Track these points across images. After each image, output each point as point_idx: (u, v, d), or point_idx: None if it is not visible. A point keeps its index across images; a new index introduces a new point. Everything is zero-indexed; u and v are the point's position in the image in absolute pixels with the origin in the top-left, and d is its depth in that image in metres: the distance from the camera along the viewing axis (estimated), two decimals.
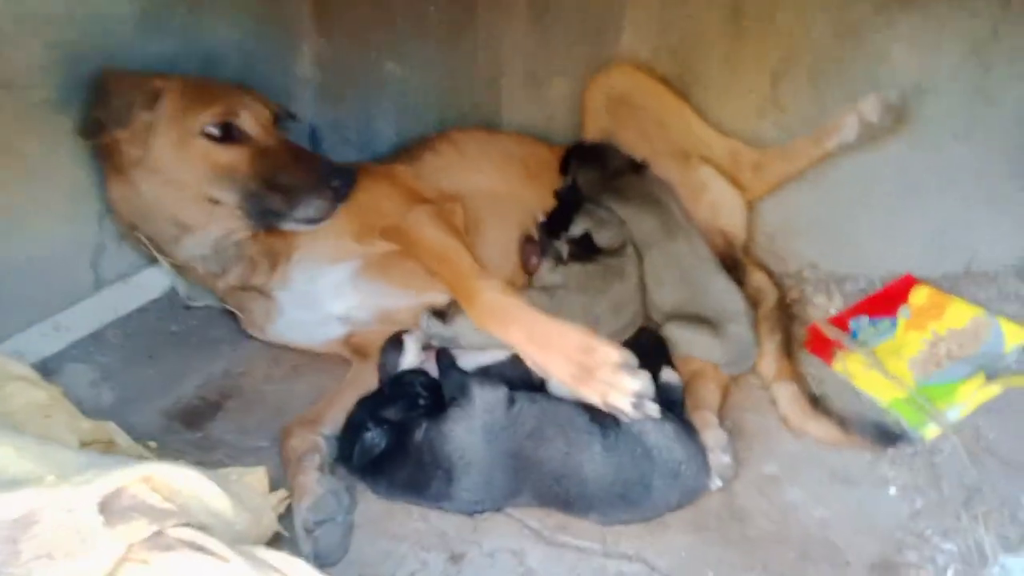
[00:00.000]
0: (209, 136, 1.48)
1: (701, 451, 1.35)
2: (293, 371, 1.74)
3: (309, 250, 1.64)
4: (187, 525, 0.94)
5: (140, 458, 1.31)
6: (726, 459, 1.38)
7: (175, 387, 1.66)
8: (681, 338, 1.60)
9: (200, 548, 0.92)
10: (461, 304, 1.48)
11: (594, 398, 1.27)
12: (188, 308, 1.91)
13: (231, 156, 1.50)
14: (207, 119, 1.47)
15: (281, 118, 1.69)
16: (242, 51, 2.03)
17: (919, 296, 1.81)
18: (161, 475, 0.97)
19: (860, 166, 1.84)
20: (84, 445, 1.28)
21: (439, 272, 1.55)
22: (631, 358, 1.28)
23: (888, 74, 1.74)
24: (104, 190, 1.64)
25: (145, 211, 1.55)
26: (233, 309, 1.75)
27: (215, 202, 1.52)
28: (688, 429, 1.36)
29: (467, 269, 1.49)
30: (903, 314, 1.80)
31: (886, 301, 1.83)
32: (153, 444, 1.44)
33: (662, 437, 1.31)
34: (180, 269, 1.68)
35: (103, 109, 1.46)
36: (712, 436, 1.40)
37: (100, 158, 1.60)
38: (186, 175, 1.49)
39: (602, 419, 1.33)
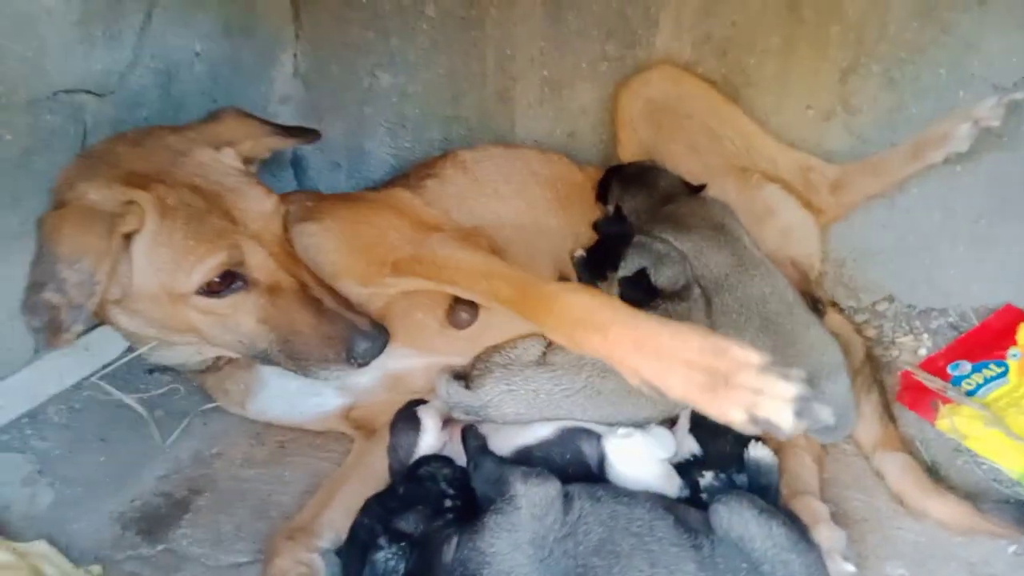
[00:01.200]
0: (207, 292, 1.14)
1: (820, 560, 1.04)
2: (280, 450, 1.42)
3: None
4: None
5: None
6: (850, 568, 1.08)
7: (131, 481, 1.34)
8: None
9: None
10: (534, 320, 1.16)
11: (735, 414, 0.96)
12: (151, 372, 1.58)
13: (234, 308, 1.17)
14: (202, 276, 1.12)
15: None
16: (209, 63, 1.78)
17: None
18: None
19: (944, 179, 1.58)
20: None
21: (491, 291, 1.24)
22: (770, 357, 0.98)
23: (981, 66, 1.49)
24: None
25: (119, 328, 1.26)
26: (208, 391, 1.46)
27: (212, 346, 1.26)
28: (801, 532, 1.04)
29: (527, 277, 1.21)
30: (1014, 356, 1.53)
31: (988, 340, 1.57)
32: (98, 568, 1.11)
33: (773, 546, 0.99)
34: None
35: (51, 288, 1.05)
36: (827, 536, 1.10)
37: None
38: (176, 326, 1.20)
39: (689, 523, 1.02)
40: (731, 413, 0.96)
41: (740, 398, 0.96)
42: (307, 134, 1.45)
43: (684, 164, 1.62)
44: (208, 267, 1.10)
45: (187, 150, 1.20)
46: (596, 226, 1.61)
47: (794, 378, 0.95)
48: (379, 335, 1.19)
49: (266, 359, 1.22)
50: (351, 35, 1.91)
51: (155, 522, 1.25)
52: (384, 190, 1.64)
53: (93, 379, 1.43)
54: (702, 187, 1.59)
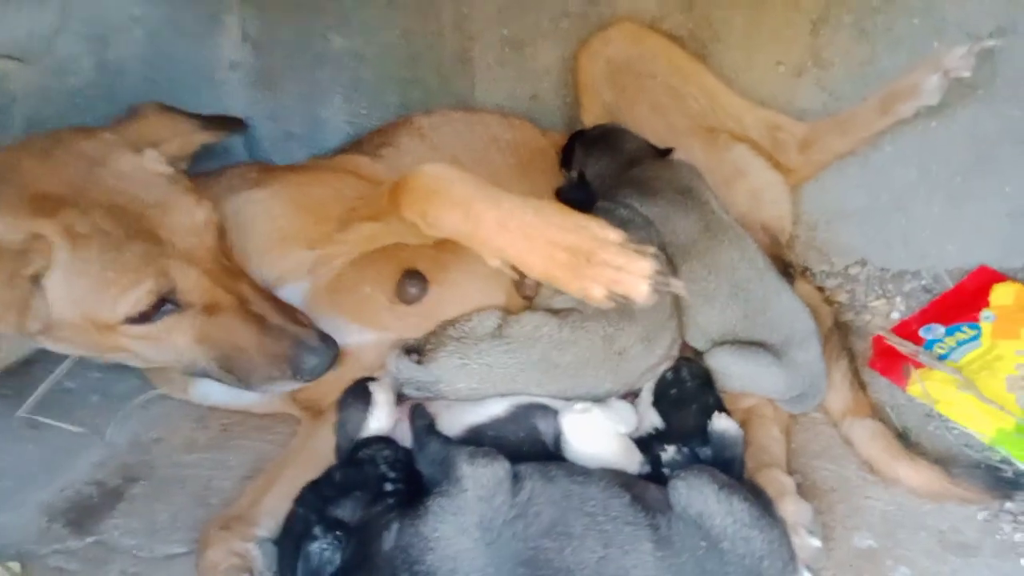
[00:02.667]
0: (136, 320, 1.04)
1: (784, 537, 0.98)
2: (224, 434, 1.36)
3: (255, 268, 1.24)
4: None
5: None
6: (815, 542, 1.03)
7: (62, 469, 1.27)
8: (735, 369, 1.25)
9: None
10: (398, 206, 1.12)
11: (595, 290, 1.00)
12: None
13: (168, 330, 1.08)
14: (128, 308, 1.02)
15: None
16: (147, 27, 1.67)
17: (1004, 294, 1.52)
18: None
19: (919, 135, 1.52)
20: None
21: (385, 193, 1.18)
22: (623, 233, 1.03)
23: (955, 14, 1.42)
24: None
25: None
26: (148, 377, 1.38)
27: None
28: (765, 507, 0.99)
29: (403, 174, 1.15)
30: (987, 318, 1.49)
31: (962, 302, 1.52)
32: (15, 567, 1.04)
33: (733, 522, 0.94)
34: None
35: None
36: (793, 510, 1.05)
37: None
38: (110, 351, 1.11)
39: (647, 501, 0.96)
40: (591, 290, 1.00)
41: (600, 275, 0.99)
42: (234, 124, 1.35)
43: (648, 126, 1.55)
44: (133, 299, 1.01)
45: (104, 158, 1.08)
46: (558, 193, 1.53)
47: (648, 254, 1.00)
48: (327, 348, 1.11)
49: (206, 375, 1.13)
50: None
51: (85, 513, 1.18)
52: (339, 156, 1.57)
53: (19, 415, 1.32)
54: (669, 151, 1.52)
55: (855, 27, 1.48)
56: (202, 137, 1.24)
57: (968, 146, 1.51)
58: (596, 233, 1.01)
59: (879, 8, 1.45)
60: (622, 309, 1.25)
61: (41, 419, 1.35)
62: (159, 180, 1.10)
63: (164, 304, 1.04)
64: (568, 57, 1.69)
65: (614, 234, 1.00)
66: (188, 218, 1.08)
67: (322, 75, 1.87)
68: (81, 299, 1.00)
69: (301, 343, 1.09)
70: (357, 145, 1.62)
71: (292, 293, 1.27)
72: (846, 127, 1.48)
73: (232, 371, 1.10)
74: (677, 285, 1.01)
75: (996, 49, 1.39)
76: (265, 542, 1.06)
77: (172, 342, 1.07)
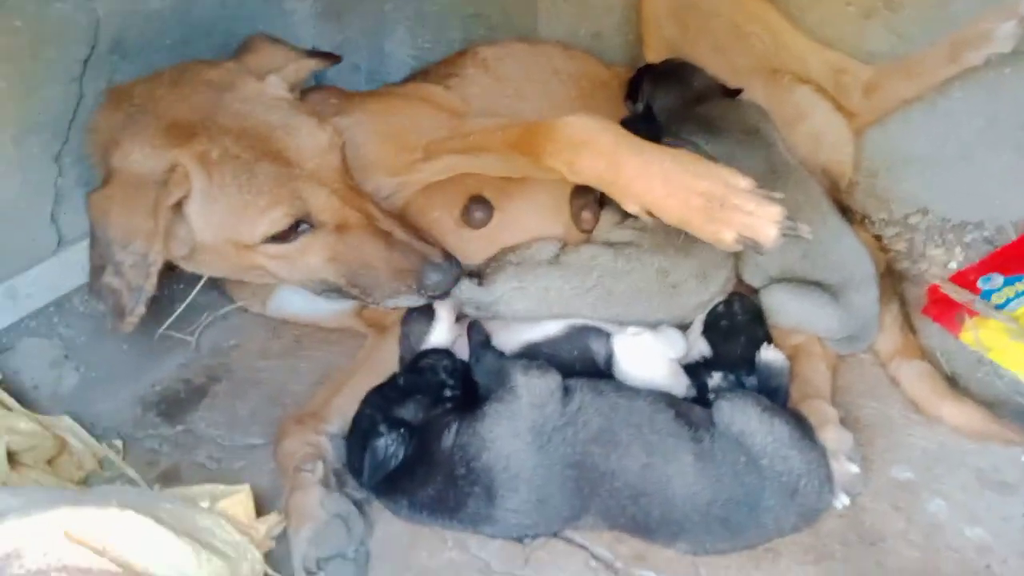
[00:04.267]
0: (274, 240, 1.10)
1: (823, 459, 1.03)
2: (296, 344, 1.45)
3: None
4: None
5: (96, 464, 1.03)
6: (854, 468, 1.07)
7: (153, 366, 1.39)
8: (791, 306, 1.27)
9: None
10: (535, 155, 1.15)
11: (727, 234, 1.02)
12: (172, 268, 1.61)
13: (304, 250, 1.13)
14: (267, 228, 1.08)
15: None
16: None
17: None
18: (85, 523, 0.67)
19: (990, 82, 1.47)
20: (17, 454, 0.98)
21: (506, 141, 1.22)
22: (751, 179, 1.05)
23: None
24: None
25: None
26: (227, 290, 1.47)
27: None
28: (805, 430, 1.04)
29: (534, 123, 1.18)
30: None
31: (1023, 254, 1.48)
32: (119, 443, 1.16)
33: (773, 441, 0.99)
34: None
35: (110, 271, 1.04)
36: (834, 437, 1.09)
37: None
38: (249, 271, 1.18)
39: (690, 418, 1.01)
40: (722, 233, 1.02)
41: (732, 219, 1.01)
42: (332, 57, 1.39)
43: (711, 65, 1.54)
44: (270, 220, 1.07)
45: (231, 84, 1.14)
46: (624, 124, 1.55)
47: (776, 200, 1.02)
48: (451, 266, 1.15)
49: (337, 293, 1.18)
50: None
51: (175, 405, 1.30)
52: (412, 84, 1.59)
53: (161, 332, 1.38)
54: (739, 91, 1.51)
55: None
56: (311, 64, 1.28)
57: None
58: (728, 180, 1.03)
59: None
60: (677, 246, 1.31)
61: (174, 333, 1.44)
62: (282, 104, 1.15)
63: (300, 224, 1.09)
64: None
65: (745, 181, 1.03)
66: (313, 140, 1.13)
67: (388, 8, 1.91)
68: (222, 223, 1.07)
69: (426, 259, 1.13)
70: (425, 75, 1.64)
71: None
72: (912, 72, 1.44)
73: (360, 287, 1.14)
74: (804, 230, 1.02)
75: None
76: (335, 437, 1.15)
77: (306, 261, 1.13)
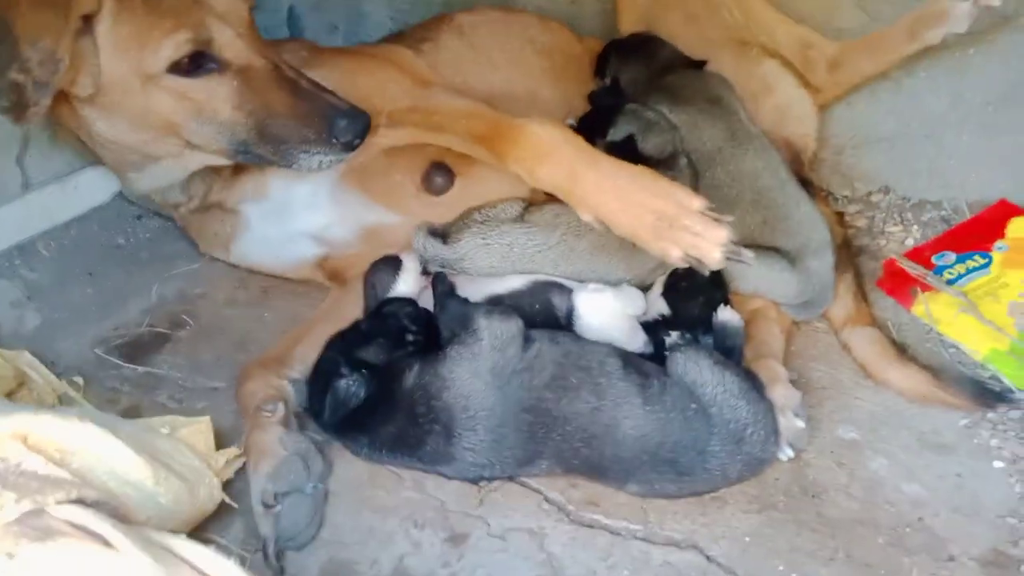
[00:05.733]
0: (177, 71, 1.12)
1: (770, 412, 1.07)
2: (262, 295, 1.46)
3: None
4: (78, 502, 0.66)
5: (56, 399, 1.04)
6: (799, 423, 1.11)
7: (117, 311, 1.39)
8: (750, 271, 1.30)
9: (92, 535, 0.64)
10: (499, 156, 1.20)
11: (673, 251, 1.07)
12: (139, 218, 1.61)
13: (208, 93, 1.15)
14: (171, 52, 1.10)
15: None
16: None
17: (1020, 227, 1.54)
18: (44, 430, 0.68)
19: (955, 61, 1.52)
20: None
21: (470, 130, 1.26)
22: (709, 203, 1.08)
23: None
24: None
25: (101, 142, 1.26)
26: (191, 235, 1.48)
27: (190, 145, 1.22)
28: (754, 384, 1.08)
29: (504, 117, 1.23)
30: (999, 249, 1.52)
31: (977, 233, 1.55)
32: (79, 380, 1.17)
33: (723, 392, 1.03)
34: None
35: (15, 68, 1.04)
36: (782, 394, 1.13)
37: None
38: (153, 120, 1.18)
39: (641, 367, 1.05)
40: (670, 250, 1.07)
41: (680, 239, 1.06)
42: None
43: (681, 35, 1.56)
44: (175, 42, 1.09)
45: None
46: (591, 97, 1.57)
47: (725, 223, 1.06)
48: (358, 115, 1.17)
49: (247, 152, 1.20)
50: None
51: (138, 348, 1.30)
52: (384, 45, 1.59)
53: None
54: (703, 62, 1.54)
55: None
56: None
57: (1004, 76, 1.50)
58: (681, 200, 1.07)
59: None
60: None
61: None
62: None
63: (203, 59, 1.12)
64: None
65: (697, 202, 1.07)
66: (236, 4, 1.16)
67: None
68: (128, 47, 1.09)
69: (333, 106, 1.16)
70: (399, 38, 1.64)
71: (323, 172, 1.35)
72: (875, 49, 1.47)
73: (270, 140, 1.16)
74: (747, 256, 1.07)
75: None
76: (297, 382, 1.17)
77: (213, 108, 1.14)
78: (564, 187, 1.13)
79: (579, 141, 1.15)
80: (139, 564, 0.59)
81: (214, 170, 1.34)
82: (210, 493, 0.89)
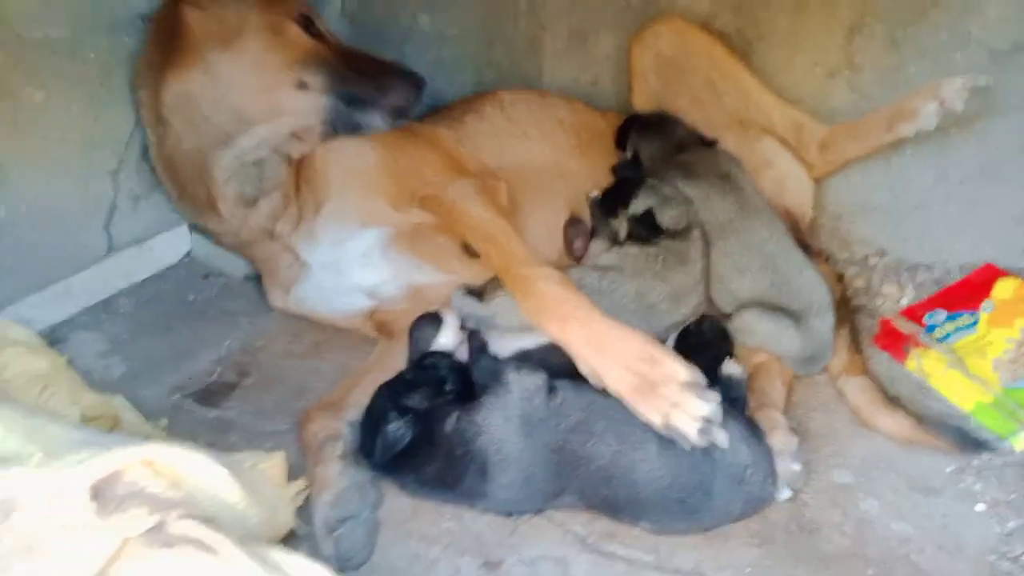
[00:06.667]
0: (299, 23, 1.47)
1: (769, 456, 1.20)
2: (315, 348, 1.62)
3: (341, 202, 1.52)
4: (192, 518, 0.82)
5: (146, 437, 1.20)
6: (796, 467, 1.23)
7: (189, 361, 1.55)
8: (758, 328, 1.44)
9: (205, 547, 0.79)
10: (512, 292, 1.33)
11: (654, 417, 1.13)
12: (206, 277, 1.80)
13: (319, 44, 1.49)
14: (298, 6, 1.47)
15: None
16: None
17: (1005, 289, 1.63)
18: (166, 458, 0.85)
19: (938, 141, 1.64)
20: (87, 421, 1.16)
21: (485, 253, 1.41)
22: (699, 377, 1.15)
23: (978, 29, 1.54)
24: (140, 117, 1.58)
25: (211, 103, 1.43)
26: (256, 266, 1.66)
27: (302, 86, 1.46)
28: (754, 430, 1.21)
29: (518, 254, 1.35)
30: (986, 308, 1.62)
31: (966, 294, 1.66)
32: (164, 422, 1.34)
33: (726, 436, 1.16)
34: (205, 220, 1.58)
35: None
36: (781, 440, 1.25)
37: (157, 52, 1.48)
38: (278, 56, 1.44)
39: None
40: (650, 415, 1.13)
41: (660, 406, 1.12)
42: None
43: (689, 116, 1.70)
44: (299, 1, 1.50)
45: None
46: (614, 169, 1.73)
47: (710, 399, 1.12)
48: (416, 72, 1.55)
49: (346, 93, 1.47)
50: None
51: (209, 394, 1.46)
52: (427, 124, 1.75)
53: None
54: (714, 141, 1.69)
55: (886, 36, 1.60)
56: None
57: (982, 153, 1.61)
58: (666, 368, 1.14)
59: (910, 21, 1.57)
60: (655, 272, 1.50)
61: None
62: None
63: (310, 23, 1.49)
64: (626, 47, 1.82)
65: (684, 372, 1.13)
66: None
67: (408, 50, 2.07)
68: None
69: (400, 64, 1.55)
70: (447, 109, 1.81)
71: (376, 235, 1.54)
72: (857, 135, 1.60)
73: (367, 76, 1.49)
74: (721, 438, 1.11)
75: (1015, 62, 1.51)
76: (353, 424, 1.31)
77: (323, 54, 1.48)
78: (559, 338, 1.23)
79: (580, 299, 1.24)
80: (247, 567, 0.75)
81: (286, 196, 1.53)
82: (286, 517, 1.04)
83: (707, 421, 1.11)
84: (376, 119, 1.50)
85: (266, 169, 1.50)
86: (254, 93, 1.42)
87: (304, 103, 1.46)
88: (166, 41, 1.44)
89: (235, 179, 1.48)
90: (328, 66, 1.47)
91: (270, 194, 1.52)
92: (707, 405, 1.11)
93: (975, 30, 1.54)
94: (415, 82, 1.53)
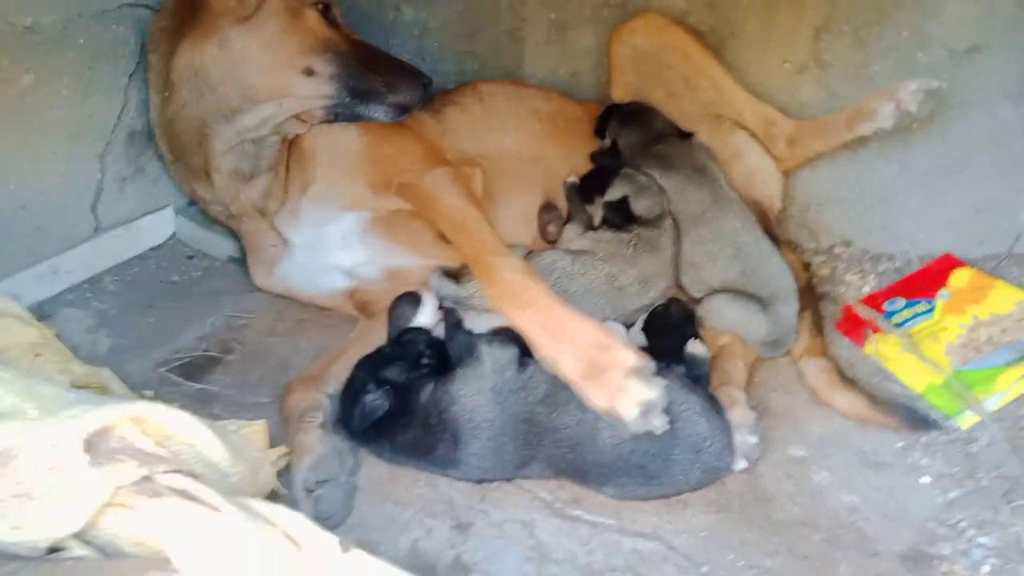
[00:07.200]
0: (318, 9, 1.51)
1: (726, 429, 1.27)
2: (297, 326, 1.67)
3: (324, 186, 1.59)
4: (178, 472, 0.87)
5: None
6: (753, 439, 1.30)
7: (174, 338, 1.60)
8: (727, 312, 1.51)
9: (191, 497, 0.85)
10: (478, 278, 1.39)
11: (599, 401, 1.16)
12: (191, 258, 1.85)
13: (334, 33, 1.53)
14: None
15: None
16: None
17: (960, 278, 1.71)
18: (154, 417, 0.90)
19: (901, 135, 1.70)
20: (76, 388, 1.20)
21: (456, 240, 1.46)
22: (647, 363, 1.18)
23: (938, 30, 1.61)
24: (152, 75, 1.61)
25: (221, 76, 1.47)
26: (241, 240, 1.70)
27: (310, 72, 1.50)
28: (714, 405, 1.28)
29: (487, 242, 1.40)
30: (942, 296, 1.69)
31: (924, 282, 1.73)
32: (149, 394, 1.39)
33: (686, 410, 1.23)
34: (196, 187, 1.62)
35: None
36: (739, 415, 1.32)
37: (174, 19, 1.53)
38: (293, 39, 1.48)
39: None
40: (597, 399, 1.16)
41: (606, 390, 1.15)
42: None
43: (665, 108, 1.77)
44: None
45: None
46: (593, 156, 1.79)
47: (654, 385, 1.14)
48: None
49: (353, 84, 1.52)
50: None
51: (194, 368, 1.51)
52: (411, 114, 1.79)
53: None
54: (691, 134, 1.75)
55: (852, 35, 1.67)
56: None
57: (943, 149, 1.69)
58: (615, 355, 1.16)
59: (874, 21, 1.64)
60: (626, 257, 1.56)
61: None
62: None
63: (328, 12, 1.54)
64: (605, 41, 1.87)
65: (632, 359, 1.16)
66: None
67: (392, 42, 2.09)
68: None
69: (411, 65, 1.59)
70: (430, 100, 1.81)
71: (355, 218, 1.60)
72: (822, 132, 1.68)
73: (376, 72, 1.53)
74: (658, 424, 1.14)
75: (971, 62, 1.59)
76: (333, 396, 1.37)
77: (337, 43, 1.53)
78: (518, 324, 1.27)
79: (540, 287, 1.28)
80: (231, 513, 0.80)
81: (277, 173, 1.58)
82: (267, 478, 1.10)
83: (648, 406, 1.13)
84: (379, 113, 1.56)
85: (263, 148, 1.55)
86: (263, 72, 1.46)
87: (311, 89, 1.50)
88: (184, 9, 1.49)
89: (232, 154, 1.52)
90: (340, 56, 1.51)
91: (266, 173, 1.57)
92: (650, 391, 1.13)
93: (935, 31, 1.61)
94: (422, 83, 1.58)
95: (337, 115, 1.55)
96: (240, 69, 1.46)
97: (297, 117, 1.55)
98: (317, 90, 1.51)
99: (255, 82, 1.46)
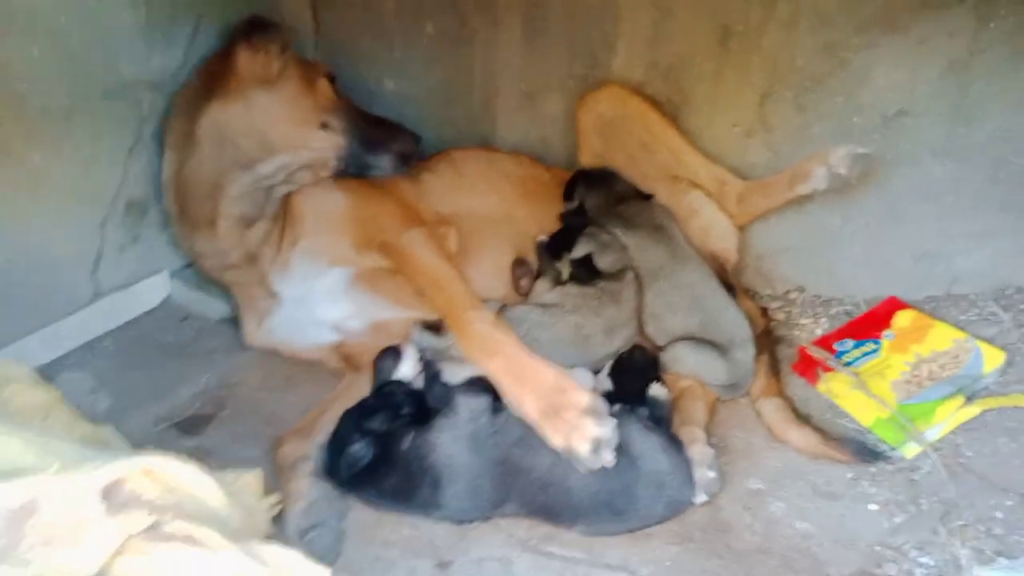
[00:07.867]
0: (327, 78, 1.76)
1: (686, 464, 1.38)
2: (286, 382, 1.77)
3: (313, 241, 1.72)
4: (184, 518, 0.96)
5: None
6: (711, 474, 1.40)
7: (170, 396, 1.69)
8: (689, 359, 1.62)
9: (195, 542, 0.94)
10: (451, 330, 1.52)
11: (557, 439, 1.28)
12: (185, 320, 1.94)
13: (341, 98, 1.78)
14: (326, 69, 1.79)
15: None
16: None
17: (903, 319, 1.84)
18: (161, 468, 0.99)
19: (841, 190, 1.85)
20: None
21: (431, 296, 1.59)
22: (600, 405, 1.30)
23: (870, 95, 1.75)
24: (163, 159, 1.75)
25: (244, 130, 1.63)
26: (233, 294, 1.81)
27: (325, 127, 1.71)
28: (674, 443, 1.39)
29: (460, 298, 1.53)
30: (887, 337, 1.82)
31: (871, 324, 1.87)
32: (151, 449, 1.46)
33: (648, 448, 1.34)
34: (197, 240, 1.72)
35: (277, 33, 1.68)
36: (698, 451, 1.43)
37: (203, 86, 1.69)
38: (310, 99, 1.70)
39: None
40: (554, 438, 1.28)
41: (562, 428, 1.28)
42: None
43: (627, 170, 1.91)
44: (326, 67, 1.84)
45: None
46: (562, 216, 1.93)
47: (604, 424, 1.27)
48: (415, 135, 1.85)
49: (362, 138, 1.74)
50: (362, 46, 2.23)
51: (189, 425, 1.60)
52: (390, 179, 1.92)
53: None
54: (651, 196, 1.90)
55: (793, 101, 1.83)
56: None
57: (882, 201, 1.84)
58: (571, 397, 1.30)
59: (811, 88, 1.80)
60: (592, 308, 1.69)
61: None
62: None
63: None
64: (572, 109, 2.02)
65: (586, 400, 1.29)
66: None
67: (375, 110, 2.16)
68: (305, 60, 1.79)
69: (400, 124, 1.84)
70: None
71: (340, 274, 1.72)
72: (766, 192, 1.84)
73: (381, 128, 1.79)
74: (607, 459, 1.26)
75: (901, 124, 1.75)
76: (322, 446, 1.45)
77: (346, 108, 1.78)
78: (487, 369, 1.40)
79: (508, 338, 1.42)
80: (231, 556, 0.90)
81: (274, 224, 1.71)
82: (262, 523, 1.18)
83: (598, 442, 1.24)
84: (384, 161, 1.77)
85: (272, 195, 1.70)
86: (284, 125, 1.65)
87: (325, 141, 1.71)
88: (214, 77, 1.66)
89: (243, 200, 1.65)
90: (348, 115, 1.74)
91: (266, 219, 1.71)
92: (600, 429, 1.25)
93: (866, 96, 1.77)
94: (415, 137, 1.84)
95: (348, 165, 1.74)
96: (262, 123, 1.63)
97: (309, 167, 1.72)
98: (331, 141, 1.71)
99: (275, 134, 1.64)
